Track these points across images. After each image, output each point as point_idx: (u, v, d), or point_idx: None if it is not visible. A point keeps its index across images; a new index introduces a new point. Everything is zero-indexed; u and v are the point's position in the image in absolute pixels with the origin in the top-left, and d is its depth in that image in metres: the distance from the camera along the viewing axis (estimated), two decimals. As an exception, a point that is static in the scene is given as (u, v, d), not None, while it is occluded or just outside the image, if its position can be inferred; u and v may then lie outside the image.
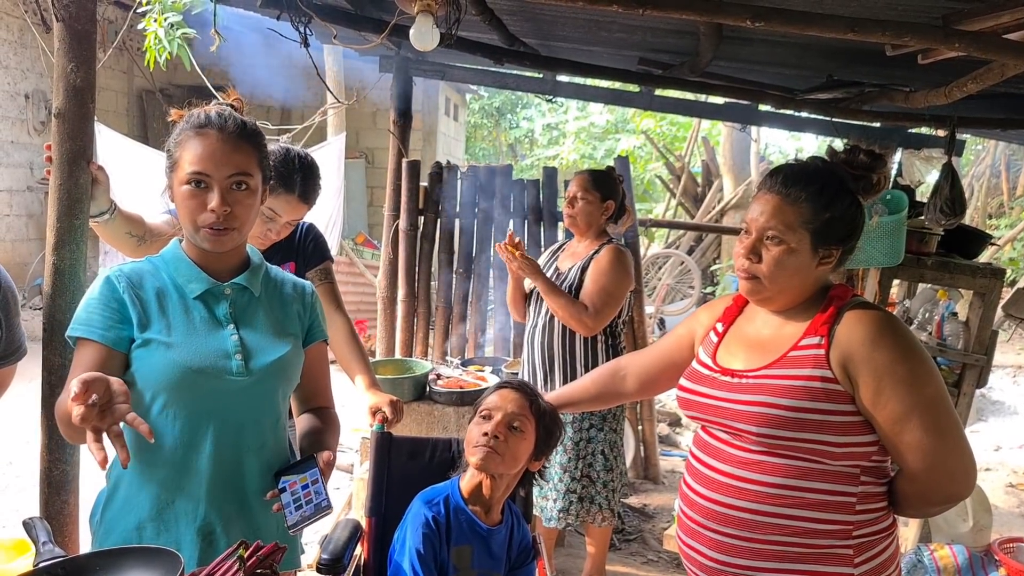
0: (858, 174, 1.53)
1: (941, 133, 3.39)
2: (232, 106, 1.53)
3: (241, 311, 1.53)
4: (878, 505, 1.48)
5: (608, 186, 3.00)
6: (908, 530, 3.17)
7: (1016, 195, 11.66)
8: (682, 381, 1.67)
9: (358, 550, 1.95)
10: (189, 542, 1.45)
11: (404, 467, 2.01)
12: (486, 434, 1.71)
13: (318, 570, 1.77)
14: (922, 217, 3.22)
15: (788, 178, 1.50)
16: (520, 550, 1.88)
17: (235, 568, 1.22)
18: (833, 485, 1.43)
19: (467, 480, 1.79)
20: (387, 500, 1.97)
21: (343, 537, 1.85)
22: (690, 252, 8.95)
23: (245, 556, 1.23)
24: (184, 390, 1.43)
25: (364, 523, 1.99)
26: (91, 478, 1.79)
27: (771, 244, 1.48)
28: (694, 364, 1.67)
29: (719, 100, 4.41)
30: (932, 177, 2.99)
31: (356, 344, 2.28)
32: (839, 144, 1.54)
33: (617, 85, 4.55)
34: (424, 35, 2.28)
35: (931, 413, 1.39)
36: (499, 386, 1.85)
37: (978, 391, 6.42)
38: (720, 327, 1.67)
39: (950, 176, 2.76)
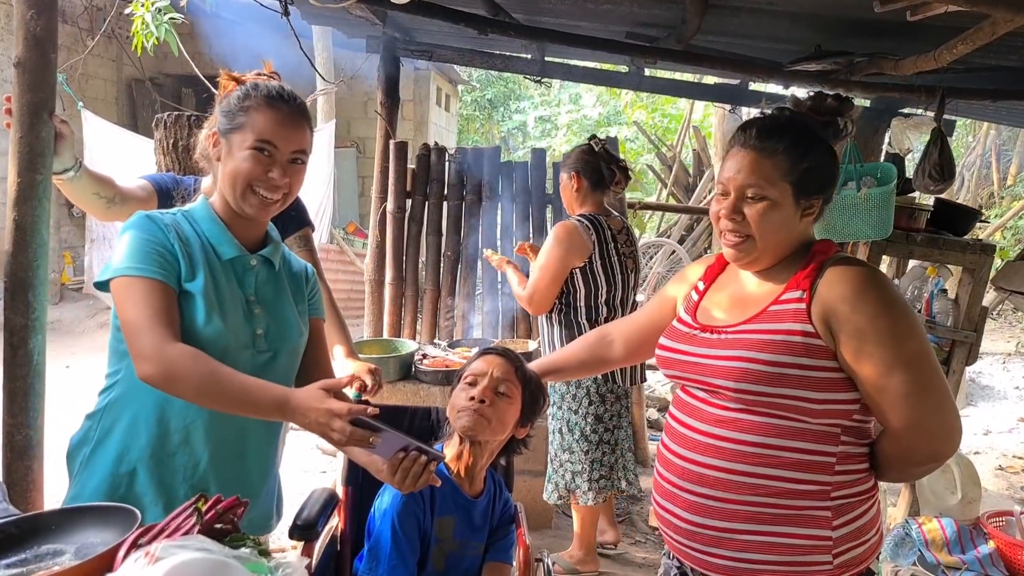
0: (825, 120, 1.48)
1: (931, 113, 3.35)
2: (272, 76, 1.57)
3: (263, 284, 1.56)
4: (859, 467, 1.43)
5: (568, 161, 2.99)
6: (896, 509, 3.14)
7: (1007, 184, 11.69)
8: (661, 340, 1.61)
9: (334, 520, 1.91)
10: (182, 496, 1.44)
11: (382, 436, 1.96)
12: (472, 398, 1.67)
13: (290, 535, 1.74)
14: (912, 194, 3.18)
15: (762, 131, 1.44)
16: (502, 518, 1.85)
17: (192, 522, 1.17)
18: (812, 444, 1.38)
19: (451, 449, 1.75)
20: (364, 470, 1.92)
21: (318, 503, 1.83)
22: (681, 241, 8.93)
23: (203, 510, 1.19)
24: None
25: (341, 492, 1.95)
26: (56, 443, 1.75)
27: (753, 201, 1.42)
28: (674, 322, 1.62)
29: (710, 81, 4.36)
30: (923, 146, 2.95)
31: (335, 314, 2.25)
32: (802, 93, 1.50)
33: (608, 67, 4.49)
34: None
35: (913, 369, 1.34)
36: (482, 352, 1.81)
37: (968, 376, 6.45)
38: (701, 285, 1.63)
39: (939, 141, 2.71)
